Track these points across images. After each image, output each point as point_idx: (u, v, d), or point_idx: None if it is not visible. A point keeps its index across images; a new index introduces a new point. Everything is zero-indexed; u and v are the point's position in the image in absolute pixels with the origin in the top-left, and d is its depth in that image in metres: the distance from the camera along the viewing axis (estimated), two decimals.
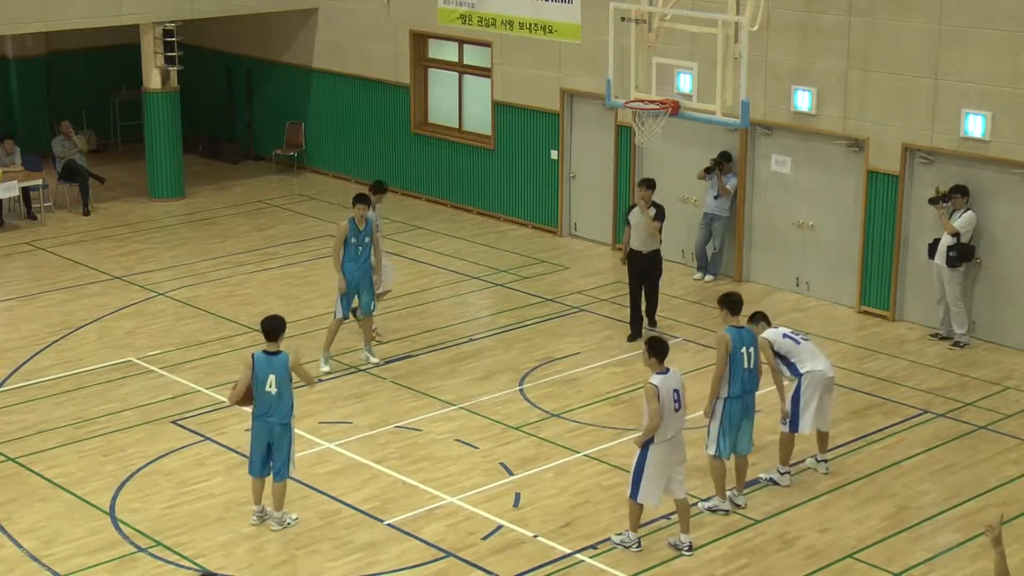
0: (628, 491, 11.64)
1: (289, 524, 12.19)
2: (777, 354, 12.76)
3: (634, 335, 16.60)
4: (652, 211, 16.50)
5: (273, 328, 12.05)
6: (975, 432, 14.16)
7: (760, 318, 12.92)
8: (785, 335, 12.86)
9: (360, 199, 15.41)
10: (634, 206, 16.74)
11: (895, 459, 13.53)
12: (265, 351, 12.01)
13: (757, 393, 12.53)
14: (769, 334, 12.79)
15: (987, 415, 14.54)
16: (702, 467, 12.94)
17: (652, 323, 17.32)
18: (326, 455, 13.63)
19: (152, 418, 14.51)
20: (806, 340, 12.94)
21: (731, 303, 12.38)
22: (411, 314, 16.82)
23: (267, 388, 11.92)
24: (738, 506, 12.50)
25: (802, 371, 12.75)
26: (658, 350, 11.55)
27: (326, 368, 15.59)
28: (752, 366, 12.20)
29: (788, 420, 12.81)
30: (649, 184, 16.65)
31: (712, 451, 12.32)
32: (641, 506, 11.64)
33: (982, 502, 12.63)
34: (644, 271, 16.64)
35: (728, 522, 12.26)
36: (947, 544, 11.90)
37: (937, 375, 15.66)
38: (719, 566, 11.55)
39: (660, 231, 16.58)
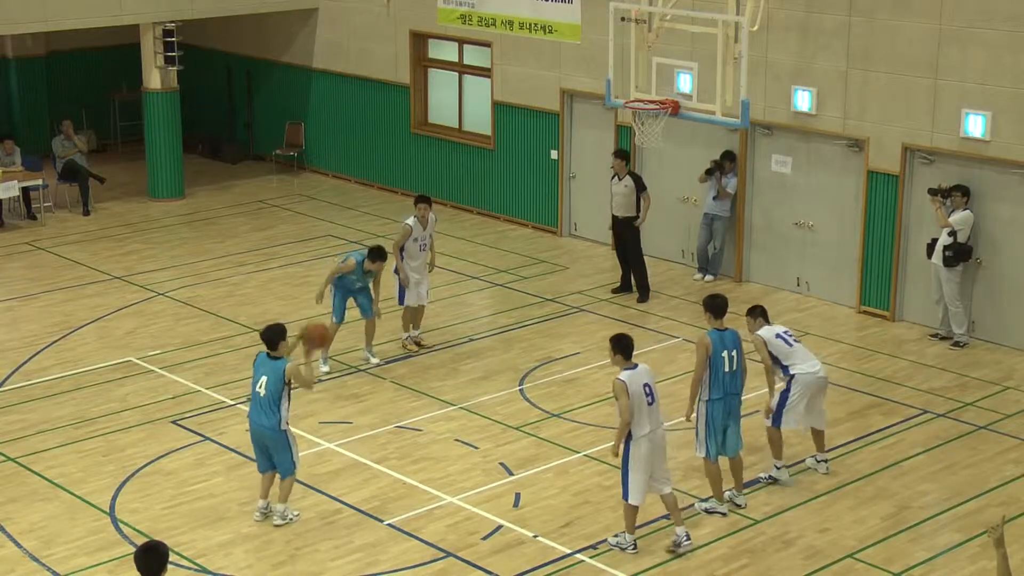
0: (621, 492, 11.65)
1: (290, 519, 12.21)
2: (769, 353, 12.76)
3: (619, 289, 18.35)
4: (630, 181, 17.91)
5: (271, 338, 11.99)
6: (975, 432, 14.16)
7: (759, 313, 12.92)
8: (779, 335, 12.81)
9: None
10: (614, 176, 18.10)
11: (895, 459, 13.53)
12: (268, 354, 12.04)
13: (754, 395, 12.55)
14: (764, 332, 12.78)
15: (987, 415, 14.55)
16: (701, 467, 12.96)
17: (643, 297, 17.73)
18: (326, 455, 13.64)
19: (152, 418, 14.51)
20: (798, 343, 12.90)
21: (714, 307, 12.30)
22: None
23: (258, 388, 11.93)
24: (738, 506, 12.50)
25: (793, 372, 12.76)
26: (622, 347, 11.46)
27: (325, 368, 15.60)
28: (734, 369, 12.13)
29: (771, 416, 12.81)
30: (621, 155, 18.14)
31: (701, 453, 12.34)
32: (635, 508, 11.62)
33: (982, 502, 12.63)
34: (619, 234, 18.23)
35: (728, 522, 12.26)
36: (947, 544, 11.90)
37: (937, 375, 15.66)
38: (719, 566, 11.55)
39: (647, 203, 17.99)
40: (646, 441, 11.37)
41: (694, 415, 12.26)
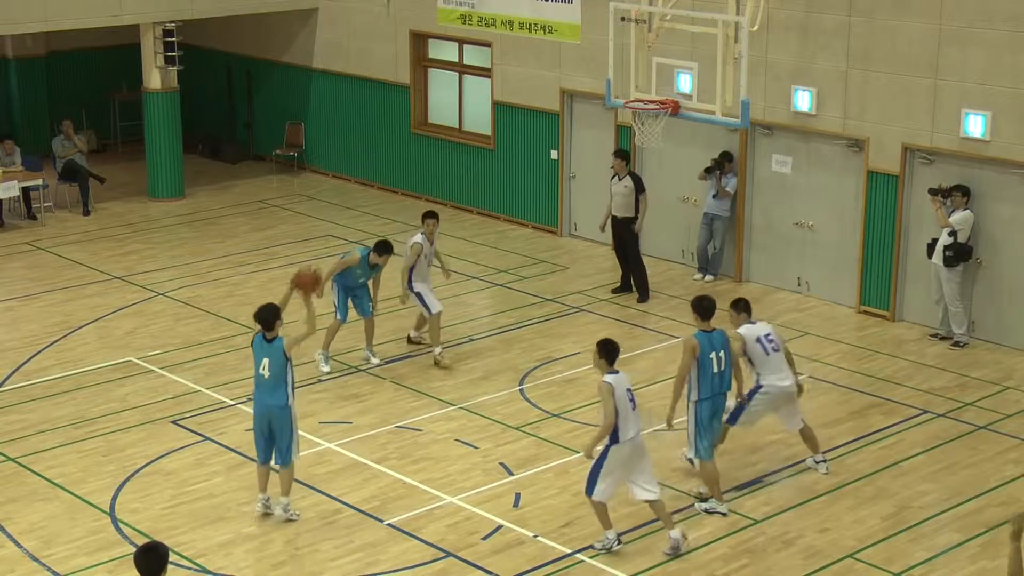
0: (584, 488, 11.62)
1: (291, 516, 12.21)
2: (745, 354, 12.69)
3: (619, 289, 18.33)
4: (630, 181, 17.87)
5: (266, 318, 12.04)
6: (975, 432, 14.16)
7: (743, 308, 12.83)
8: (759, 339, 12.66)
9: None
10: (614, 176, 18.01)
11: (895, 459, 13.53)
12: (264, 336, 12.06)
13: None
14: (745, 331, 12.70)
15: (987, 415, 14.55)
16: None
17: (643, 297, 17.69)
18: (326, 455, 13.64)
19: (152, 418, 14.51)
20: (776, 352, 12.70)
21: (702, 308, 12.27)
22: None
23: (261, 370, 12.01)
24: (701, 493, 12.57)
25: (762, 383, 12.70)
26: (608, 352, 11.42)
27: (327, 368, 15.60)
28: (723, 369, 12.13)
29: (729, 413, 12.71)
30: (621, 155, 18.12)
31: (692, 455, 12.39)
32: (603, 504, 11.59)
33: (982, 502, 12.63)
34: (619, 235, 18.19)
35: (728, 522, 12.26)
36: (947, 544, 11.91)
37: (937, 375, 15.66)
38: (719, 566, 11.55)
39: (645, 206, 17.95)
40: (628, 446, 11.36)
41: (680, 418, 12.28)
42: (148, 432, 14.18)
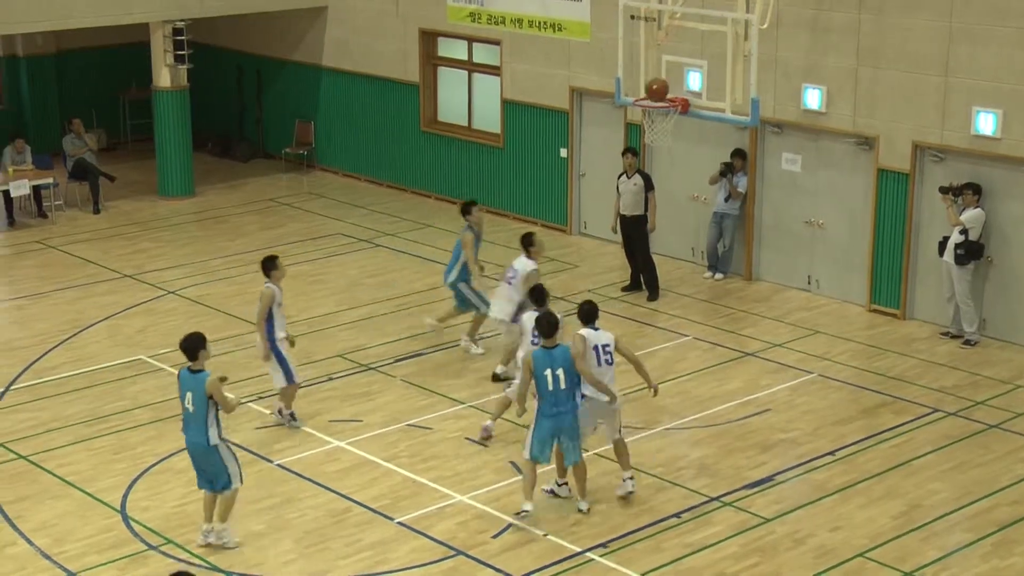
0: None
1: (225, 544, 11.77)
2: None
3: (629, 287, 18.29)
4: (640, 179, 17.90)
5: (190, 348, 11.49)
6: (986, 431, 14.13)
7: (585, 316, 12.48)
8: (595, 347, 12.30)
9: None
10: (622, 174, 18.10)
11: (906, 458, 13.51)
12: (189, 368, 11.58)
13: (753, 397, 12.55)
14: (584, 333, 12.35)
15: (998, 414, 14.52)
16: (711, 466, 12.98)
17: (652, 296, 17.69)
18: (336, 453, 13.65)
19: (162, 416, 14.52)
20: (609, 365, 12.33)
21: (541, 327, 12.24)
22: (422, 312, 16.81)
23: (186, 404, 11.51)
24: (580, 511, 12.38)
25: (584, 391, 12.33)
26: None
27: (479, 351, 15.98)
28: (564, 387, 11.98)
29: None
30: (633, 152, 18.19)
31: (524, 452, 12.23)
32: (295, 387, 13.76)
33: (993, 501, 12.61)
34: (628, 233, 18.14)
35: (739, 520, 12.26)
36: (958, 543, 11.89)
37: (948, 373, 15.63)
38: (730, 564, 11.55)
39: (654, 204, 18.00)
40: None
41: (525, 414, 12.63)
42: (159, 430, 14.20)
